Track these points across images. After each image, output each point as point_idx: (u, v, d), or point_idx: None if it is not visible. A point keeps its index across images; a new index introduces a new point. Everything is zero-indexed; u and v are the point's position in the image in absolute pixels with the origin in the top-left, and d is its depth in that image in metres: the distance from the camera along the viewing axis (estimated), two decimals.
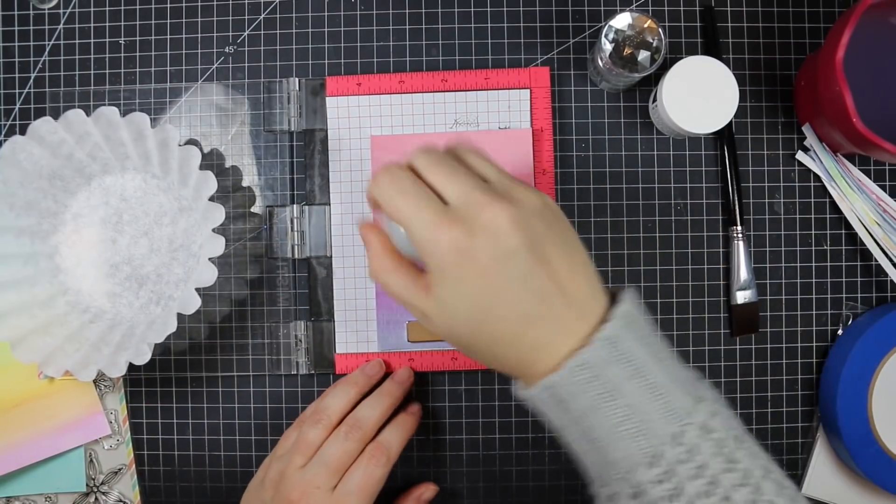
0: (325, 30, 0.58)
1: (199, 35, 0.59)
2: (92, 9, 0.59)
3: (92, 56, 0.59)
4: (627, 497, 0.37)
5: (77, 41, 0.59)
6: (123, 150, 0.55)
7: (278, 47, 0.59)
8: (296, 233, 0.57)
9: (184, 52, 0.59)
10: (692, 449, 0.36)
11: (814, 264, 0.58)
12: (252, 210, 0.58)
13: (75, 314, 0.56)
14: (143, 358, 0.51)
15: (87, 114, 0.53)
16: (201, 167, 0.52)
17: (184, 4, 0.59)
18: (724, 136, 0.57)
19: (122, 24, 0.59)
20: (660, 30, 0.51)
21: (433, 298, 0.39)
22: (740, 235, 0.56)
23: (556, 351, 0.38)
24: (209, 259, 0.51)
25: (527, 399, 0.40)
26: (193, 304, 0.50)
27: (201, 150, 0.56)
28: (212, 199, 0.53)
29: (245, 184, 0.58)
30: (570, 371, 0.37)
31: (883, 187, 0.57)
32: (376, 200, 0.40)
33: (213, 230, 0.52)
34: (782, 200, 0.58)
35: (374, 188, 0.40)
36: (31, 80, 0.59)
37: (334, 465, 0.48)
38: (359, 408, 0.51)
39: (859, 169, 0.57)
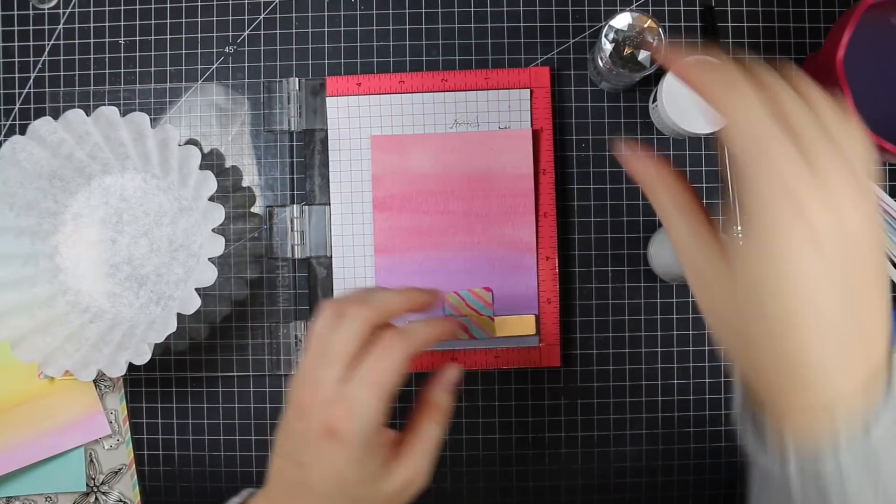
0: (325, 30, 0.58)
1: (199, 35, 0.59)
2: (92, 9, 0.59)
3: (92, 56, 0.59)
4: None
5: (77, 41, 0.59)
6: (123, 150, 0.55)
7: (278, 47, 0.59)
8: (296, 233, 0.57)
9: (184, 52, 0.59)
10: None
11: None
12: (252, 210, 0.58)
13: (75, 314, 0.56)
14: (143, 358, 0.51)
15: (87, 114, 0.53)
16: (201, 167, 0.52)
17: (184, 4, 0.59)
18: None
19: (122, 24, 0.59)
20: (660, 30, 0.51)
21: (740, 279, 0.30)
22: (741, 235, 0.56)
23: (852, 386, 0.28)
24: (209, 259, 0.51)
25: (764, 463, 0.31)
26: (193, 304, 0.50)
27: (201, 150, 0.56)
28: (212, 199, 0.53)
29: (245, 184, 0.58)
30: (863, 444, 0.27)
31: (883, 187, 0.57)
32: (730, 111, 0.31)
33: (213, 230, 0.52)
34: None
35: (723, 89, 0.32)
36: (31, 80, 0.59)
37: (344, 355, 0.39)
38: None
39: None
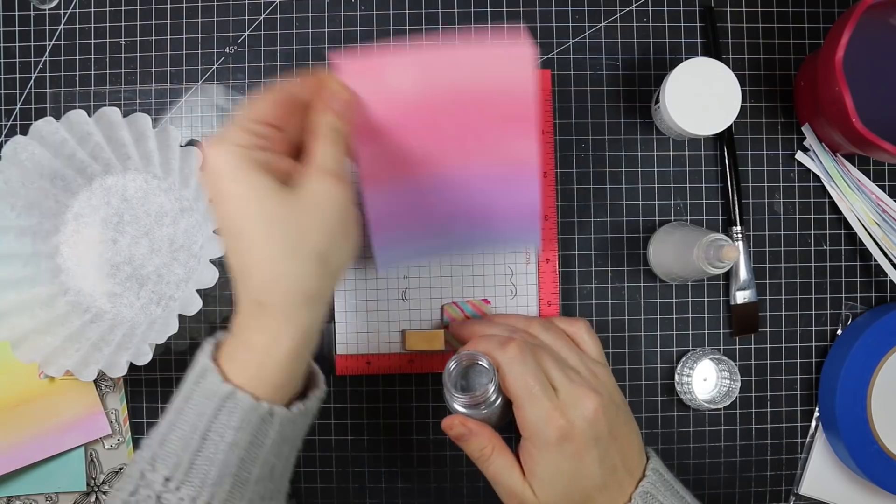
0: (325, 30, 0.59)
1: (200, 35, 0.59)
2: (92, 9, 0.59)
3: (92, 56, 0.59)
4: None
5: (77, 42, 0.59)
6: (125, 151, 0.55)
7: (278, 48, 0.59)
8: None
9: (184, 52, 0.59)
10: None
11: (813, 264, 0.58)
12: None
13: (76, 314, 0.56)
14: (144, 358, 0.51)
15: (89, 114, 0.53)
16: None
17: (184, 5, 0.59)
18: (724, 137, 0.57)
19: (123, 24, 0.59)
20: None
21: (535, 477, 0.45)
22: (740, 235, 0.56)
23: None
24: (210, 260, 0.51)
25: None
26: (195, 305, 0.50)
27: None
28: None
29: None
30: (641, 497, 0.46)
31: (882, 187, 0.57)
32: (501, 370, 0.46)
33: (215, 231, 0.52)
34: (782, 200, 0.58)
35: (502, 357, 0.46)
36: (32, 81, 0.59)
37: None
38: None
39: (859, 169, 0.57)
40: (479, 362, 0.46)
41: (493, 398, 0.46)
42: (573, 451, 0.44)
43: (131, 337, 0.54)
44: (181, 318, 0.52)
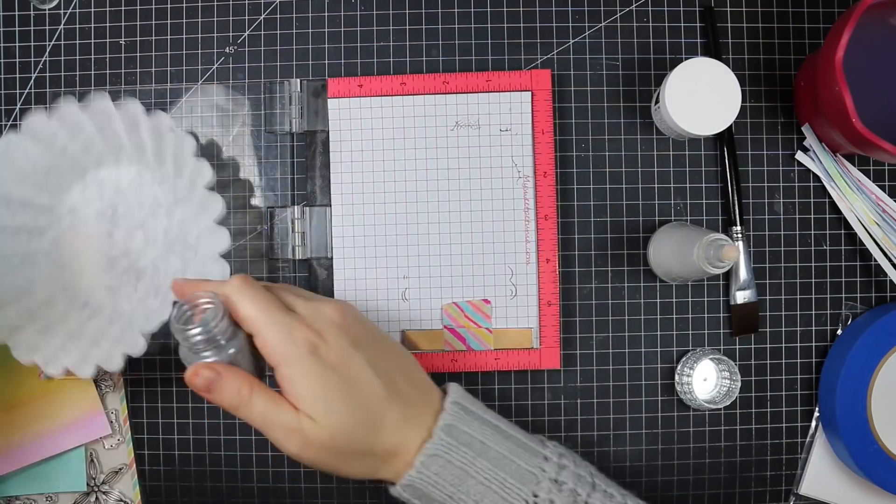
0: (326, 30, 0.59)
1: (200, 35, 0.59)
2: (92, 9, 0.59)
3: (92, 56, 0.59)
4: None
5: (77, 42, 0.59)
6: (117, 141, 0.55)
7: (278, 48, 0.59)
8: (297, 234, 0.57)
9: (184, 52, 0.59)
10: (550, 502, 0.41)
11: (813, 264, 0.58)
12: (252, 203, 0.58)
13: (75, 310, 0.56)
14: (138, 349, 0.50)
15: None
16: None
17: (184, 5, 0.59)
18: (723, 137, 0.57)
19: (123, 24, 0.59)
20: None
21: (305, 401, 0.40)
22: (740, 235, 0.57)
23: (410, 444, 0.42)
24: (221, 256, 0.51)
25: (397, 496, 0.43)
26: None
27: (197, 140, 0.55)
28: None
29: (243, 175, 0.58)
30: (422, 465, 0.41)
31: (882, 187, 0.57)
32: (229, 301, 0.42)
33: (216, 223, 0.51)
34: (782, 200, 0.58)
35: (227, 288, 0.42)
36: (32, 81, 0.59)
37: None
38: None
39: (859, 169, 0.57)
40: (202, 301, 0.41)
41: (228, 332, 0.41)
42: (333, 358, 0.41)
43: (129, 331, 0.54)
44: None
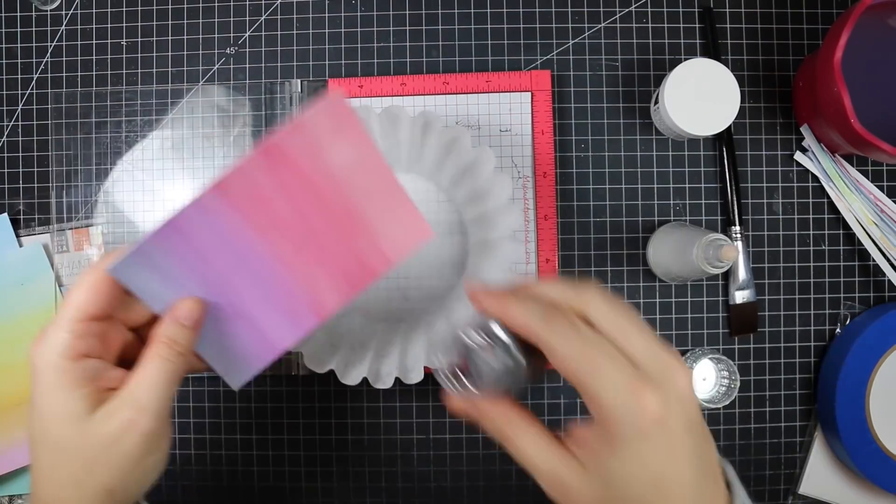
0: (326, 31, 0.59)
1: (201, 36, 0.59)
2: (94, 10, 0.59)
3: (94, 57, 0.59)
4: None
5: (79, 42, 0.59)
6: (416, 153, 0.53)
7: (279, 48, 0.59)
8: None
9: (185, 53, 0.59)
10: None
11: (812, 264, 0.58)
12: None
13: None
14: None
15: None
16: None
17: (185, 6, 0.59)
18: (723, 137, 0.57)
19: (124, 25, 0.59)
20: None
21: (601, 475, 0.33)
22: (739, 235, 0.57)
23: None
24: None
25: None
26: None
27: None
28: None
29: None
30: None
31: (881, 188, 0.57)
32: (540, 337, 0.33)
33: None
34: (781, 201, 0.58)
35: (541, 328, 0.33)
36: (34, 81, 0.59)
37: None
38: None
39: (857, 169, 0.57)
40: (499, 336, 0.34)
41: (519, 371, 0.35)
42: (665, 442, 0.32)
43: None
44: None
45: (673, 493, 0.32)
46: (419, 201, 0.55)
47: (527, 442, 0.36)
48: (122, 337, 0.39)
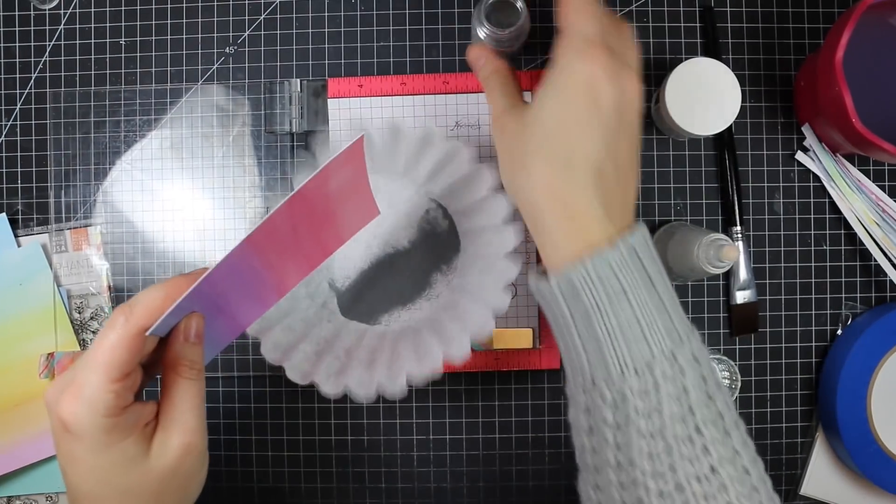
0: (326, 30, 0.59)
1: (200, 35, 0.59)
2: (92, 9, 0.59)
3: (93, 56, 0.59)
4: (608, 405, 0.38)
5: (78, 42, 0.59)
6: (408, 162, 0.53)
7: (279, 48, 0.59)
8: None
9: (184, 52, 0.59)
10: (682, 370, 0.38)
11: (813, 264, 0.58)
12: (251, 203, 0.58)
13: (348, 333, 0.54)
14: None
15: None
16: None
17: (184, 5, 0.59)
18: (723, 137, 0.57)
19: (123, 24, 0.59)
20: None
21: (532, 104, 0.42)
22: (740, 235, 0.57)
23: (587, 236, 0.39)
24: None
25: (541, 288, 0.40)
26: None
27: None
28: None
29: (243, 175, 0.58)
30: (596, 262, 0.38)
31: (882, 187, 0.57)
32: None
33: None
34: (782, 200, 0.58)
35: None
36: (32, 81, 0.59)
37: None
38: None
39: (858, 169, 0.57)
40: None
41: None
42: (590, 100, 0.40)
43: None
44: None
45: (575, 136, 0.40)
46: (410, 208, 0.55)
47: (496, 85, 0.46)
48: (140, 375, 0.39)
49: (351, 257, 0.55)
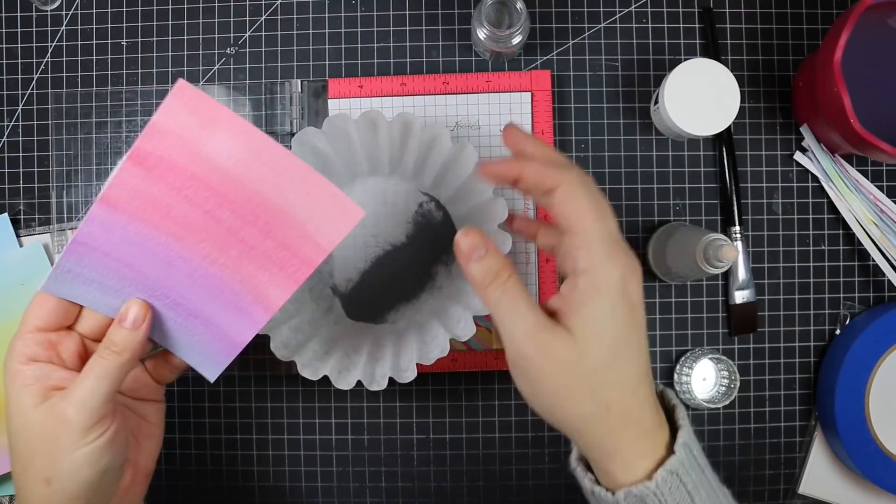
0: (326, 31, 0.59)
1: (201, 36, 0.59)
2: (94, 10, 0.59)
3: (94, 57, 0.59)
4: None
5: (79, 42, 0.59)
6: (403, 158, 0.53)
7: (279, 49, 0.59)
8: None
9: (185, 53, 0.59)
10: None
11: (812, 264, 0.58)
12: None
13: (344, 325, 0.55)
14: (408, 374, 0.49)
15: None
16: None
17: (185, 6, 0.59)
18: (723, 137, 0.57)
19: (125, 25, 0.59)
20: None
21: (579, 315, 0.37)
22: (739, 235, 0.57)
23: (657, 452, 0.39)
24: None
25: (605, 499, 0.39)
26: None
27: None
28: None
29: None
30: (665, 476, 0.37)
31: (880, 188, 0.57)
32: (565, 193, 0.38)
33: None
34: (780, 201, 0.58)
35: (569, 176, 0.38)
36: (34, 82, 0.59)
37: None
38: None
39: (857, 169, 0.57)
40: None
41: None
42: (629, 304, 0.38)
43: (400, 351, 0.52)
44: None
45: (631, 351, 0.38)
46: (402, 203, 0.55)
47: (517, 295, 0.39)
48: (75, 345, 0.42)
49: (350, 258, 0.55)
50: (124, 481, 0.44)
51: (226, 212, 0.41)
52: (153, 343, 0.44)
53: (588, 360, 0.37)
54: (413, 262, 0.55)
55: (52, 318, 0.42)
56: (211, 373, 0.45)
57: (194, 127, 0.39)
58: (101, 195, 0.40)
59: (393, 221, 0.55)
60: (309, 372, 0.49)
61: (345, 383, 0.49)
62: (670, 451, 0.38)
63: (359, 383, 0.49)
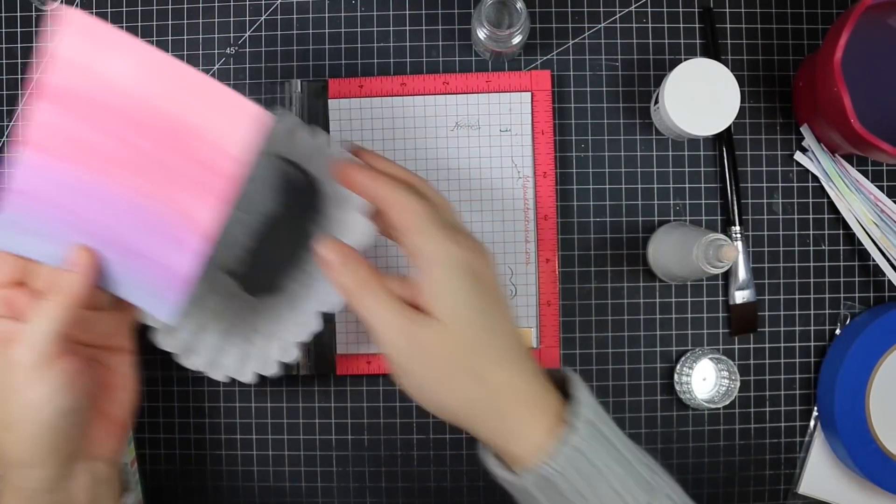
0: (326, 31, 0.59)
1: (201, 36, 0.59)
2: (94, 10, 0.59)
3: None
4: None
5: None
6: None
7: (279, 49, 0.59)
8: None
9: (185, 53, 0.59)
10: None
11: (812, 264, 0.58)
12: None
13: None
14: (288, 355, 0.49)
15: None
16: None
17: (185, 6, 0.59)
18: (723, 137, 0.57)
19: (124, 25, 0.59)
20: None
21: (429, 298, 0.39)
22: (739, 235, 0.57)
23: (547, 419, 0.39)
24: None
25: (511, 481, 0.40)
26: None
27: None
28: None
29: None
30: (566, 453, 0.38)
31: (881, 188, 0.57)
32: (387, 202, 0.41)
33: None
34: (781, 201, 0.58)
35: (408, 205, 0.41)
36: (35, 81, 0.59)
37: None
38: None
39: (857, 169, 0.57)
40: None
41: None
42: (485, 286, 0.40)
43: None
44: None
45: (500, 326, 0.41)
46: (259, 171, 0.53)
47: (381, 295, 0.40)
48: (27, 300, 0.42)
49: (233, 235, 0.53)
50: (95, 430, 0.43)
51: (141, 137, 0.40)
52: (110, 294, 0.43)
53: (455, 336, 0.39)
54: (292, 227, 0.53)
55: (1, 274, 0.42)
56: (165, 313, 0.43)
57: (93, 53, 0.39)
58: (25, 139, 0.40)
59: (258, 190, 0.53)
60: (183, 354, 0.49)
61: (218, 374, 0.49)
62: (569, 422, 0.39)
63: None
